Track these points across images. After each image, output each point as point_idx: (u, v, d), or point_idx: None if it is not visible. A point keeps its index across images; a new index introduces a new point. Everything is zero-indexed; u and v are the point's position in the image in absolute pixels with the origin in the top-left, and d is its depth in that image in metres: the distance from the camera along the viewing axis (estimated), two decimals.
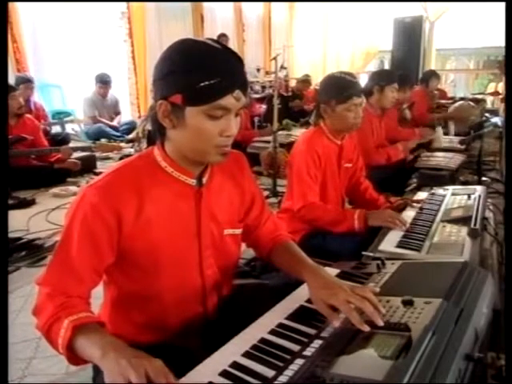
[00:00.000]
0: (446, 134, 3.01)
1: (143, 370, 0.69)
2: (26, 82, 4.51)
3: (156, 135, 0.99)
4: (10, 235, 2.58)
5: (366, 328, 0.78)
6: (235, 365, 0.76)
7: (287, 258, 1.11)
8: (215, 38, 6.41)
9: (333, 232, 1.76)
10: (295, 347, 0.80)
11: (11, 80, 4.31)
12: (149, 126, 1.01)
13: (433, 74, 4.86)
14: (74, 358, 0.82)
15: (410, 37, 7.61)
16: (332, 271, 1.12)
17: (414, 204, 1.82)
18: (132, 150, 4.43)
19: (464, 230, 1.44)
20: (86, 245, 0.90)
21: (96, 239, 0.90)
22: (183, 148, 0.95)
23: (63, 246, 0.91)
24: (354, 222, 1.69)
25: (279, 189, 3.50)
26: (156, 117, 0.92)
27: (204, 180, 1.01)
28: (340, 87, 1.76)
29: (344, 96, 1.74)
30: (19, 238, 2.63)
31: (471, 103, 4.52)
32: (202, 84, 0.85)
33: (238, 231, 1.12)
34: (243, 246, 1.19)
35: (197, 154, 0.94)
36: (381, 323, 0.79)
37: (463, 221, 1.53)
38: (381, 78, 2.70)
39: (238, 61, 0.90)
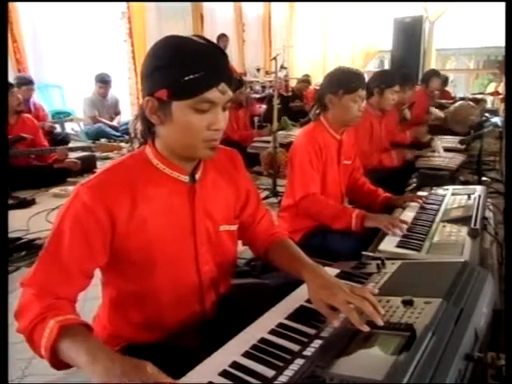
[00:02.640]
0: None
1: (138, 379, 0.68)
2: (28, 83, 4.50)
3: (146, 133, 0.99)
4: (10, 235, 2.57)
5: (366, 328, 0.78)
6: (235, 365, 0.76)
7: (285, 256, 1.10)
8: (215, 38, 6.44)
9: (331, 227, 1.76)
10: (295, 347, 0.80)
11: (11, 80, 4.31)
12: (139, 126, 1.01)
13: (433, 74, 4.82)
14: (57, 361, 0.80)
15: (410, 37, 7.61)
16: (332, 271, 1.12)
17: (418, 200, 1.81)
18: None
19: (464, 230, 1.44)
20: (78, 244, 0.88)
21: (88, 238, 0.89)
22: (172, 144, 0.95)
23: (53, 245, 0.90)
24: (352, 221, 1.69)
25: (279, 189, 3.50)
26: (145, 114, 0.93)
27: (197, 176, 1.01)
28: (348, 78, 1.81)
29: (352, 87, 1.79)
30: (19, 238, 2.63)
31: (471, 103, 4.51)
32: (187, 78, 0.86)
33: (234, 227, 1.12)
34: (237, 246, 1.19)
35: (186, 149, 0.94)
36: (381, 323, 0.79)
37: (463, 221, 1.52)
38: (382, 81, 2.69)
39: (222, 55, 0.91)
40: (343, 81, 1.81)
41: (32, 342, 0.83)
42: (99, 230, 0.90)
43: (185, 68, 0.86)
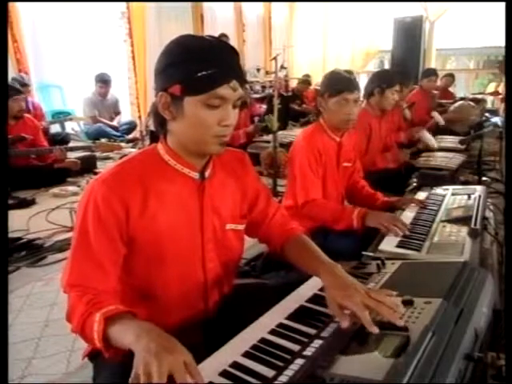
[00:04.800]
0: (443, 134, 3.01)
1: (166, 364, 0.67)
2: (23, 85, 4.45)
3: (158, 130, 1.01)
4: (10, 235, 2.58)
5: (376, 330, 0.77)
6: (235, 365, 0.76)
7: (302, 253, 1.10)
8: None
9: (333, 229, 1.76)
10: (295, 347, 0.80)
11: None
12: (151, 126, 1.03)
13: (428, 74, 4.76)
14: (113, 349, 0.83)
15: (410, 37, 7.61)
16: None
17: (418, 203, 1.81)
18: (132, 150, 4.42)
19: (464, 230, 1.44)
20: (102, 237, 0.91)
21: (110, 230, 0.92)
22: (183, 139, 0.97)
23: (81, 243, 0.92)
24: (353, 221, 1.69)
25: (279, 189, 3.50)
26: (158, 110, 0.95)
27: (206, 174, 1.03)
28: (332, 81, 1.82)
29: (334, 90, 1.79)
30: (19, 238, 2.63)
31: (471, 103, 4.52)
32: (200, 74, 0.88)
33: (241, 227, 1.13)
34: (243, 246, 1.19)
35: (196, 144, 0.96)
36: (401, 323, 0.78)
37: (463, 221, 1.52)
38: (382, 81, 2.68)
39: (234, 53, 0.94)
40: (328, 83, 1.83)
41: (86, 337, 0.86)
42: (116, 221, 0.92)
43: (198, 64, 0.89)
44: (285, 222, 1.21)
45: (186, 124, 0.94)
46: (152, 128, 1.04)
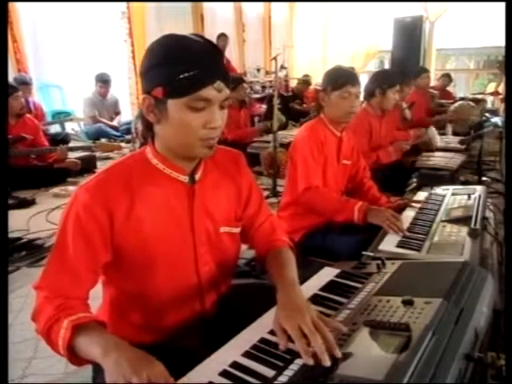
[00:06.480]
0: (443, 134, 2.97)
1: (145, 373, 0.69)
2: (24, 84, 4.48)
3: (146, 133, 0.99)
4: (10, 235, 2.58)
5: (310, 361, 0.72)
6: (235, 365, 0.76)
7: (273, 267, 1.06)
8: (215, 37, 6.44)
9: (332, 221, 1.77)
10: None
11: (10, 80, 4.31)
12: (139, 128, 1.01)
13: (419, 72, 4.66)
14: (75, 358, 0.82)
15: (410, 37, 7.60)
16: (332, 271, 1.13)
17: (414, 204, 1.81)
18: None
19: (464, 230, 1.44)
20: (81, 244, 0.90)
21: (89, 238, 0.90)
22: (170, 142, 0.95)
23: (58, 248, 0.91)
24: (354, 214, 1.69)
25: (279, 189, 3.50)
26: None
27: (197, 177, 1.01)
28: (336, 75, 1.86)
29: (338, 83, 1.81)
30: (19, 238, 2.63)
31: (471, 103, 4.51)
32: (182, 76, 0.85)
33: (236, 230, 1.10)
34: (243, 246, 1.18)
35: (183, 147, 0.94)
36: (327, 362, 0.70)
37: (463, 221, 1.52)
38: (383, 81, 2.68)
39: (218, 53, 0.91)
40: (331, 78, 1.86)
41: (50, 342, 0.85)
42: (99, 229, 0.90)
43: (179, 66, 0.86)
44: (272, 232, 1.16)
45: (170, 127, 0.91)
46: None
